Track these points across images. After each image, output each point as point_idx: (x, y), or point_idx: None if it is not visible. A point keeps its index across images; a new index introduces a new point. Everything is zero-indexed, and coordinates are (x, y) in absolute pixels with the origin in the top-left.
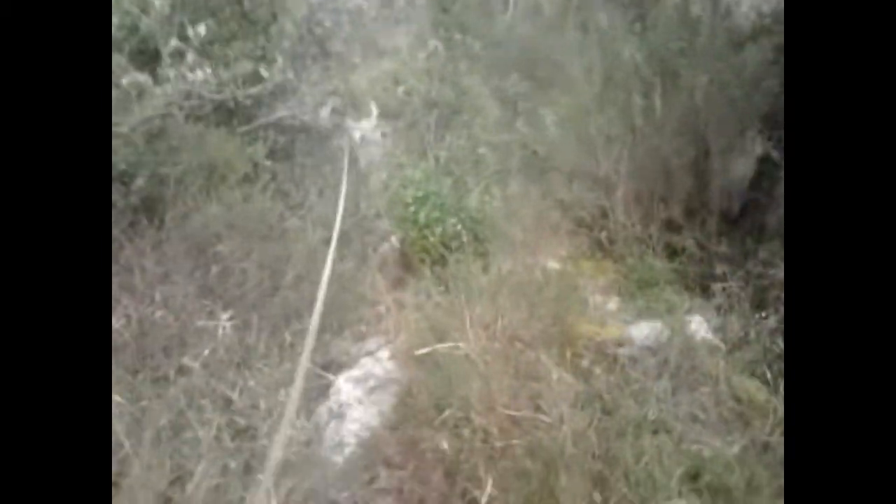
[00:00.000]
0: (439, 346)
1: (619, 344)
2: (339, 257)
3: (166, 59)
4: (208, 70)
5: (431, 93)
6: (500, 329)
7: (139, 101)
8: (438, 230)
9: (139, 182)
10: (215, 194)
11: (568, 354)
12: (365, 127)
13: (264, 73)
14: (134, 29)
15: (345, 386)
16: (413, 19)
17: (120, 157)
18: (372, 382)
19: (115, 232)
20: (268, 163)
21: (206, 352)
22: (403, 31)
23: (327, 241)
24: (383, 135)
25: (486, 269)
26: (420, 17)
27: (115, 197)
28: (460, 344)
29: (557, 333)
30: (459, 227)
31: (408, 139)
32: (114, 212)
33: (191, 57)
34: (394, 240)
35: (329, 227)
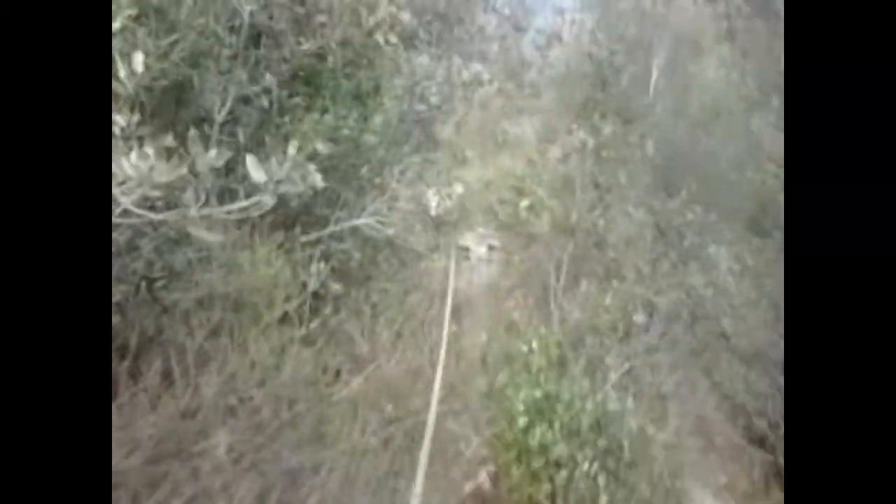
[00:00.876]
0: None
1: None
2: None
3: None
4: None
5: (571, 216)
6: None
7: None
8: (562, 474)
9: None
10: (243, 340)
11: None
12: (470, 251)
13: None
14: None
15: None
16: (552, 99)
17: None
18: None
19: None
20: (336, 286)
21: None
22: (535, 115)
23: (389, 442)
24: (489, 261)
25: None
26: (562, 95)
27: None
28: None
29: None
30: (595, 469)
31: (526, 279)
32: None
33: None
34: (484, 475)
35: (401, 401)
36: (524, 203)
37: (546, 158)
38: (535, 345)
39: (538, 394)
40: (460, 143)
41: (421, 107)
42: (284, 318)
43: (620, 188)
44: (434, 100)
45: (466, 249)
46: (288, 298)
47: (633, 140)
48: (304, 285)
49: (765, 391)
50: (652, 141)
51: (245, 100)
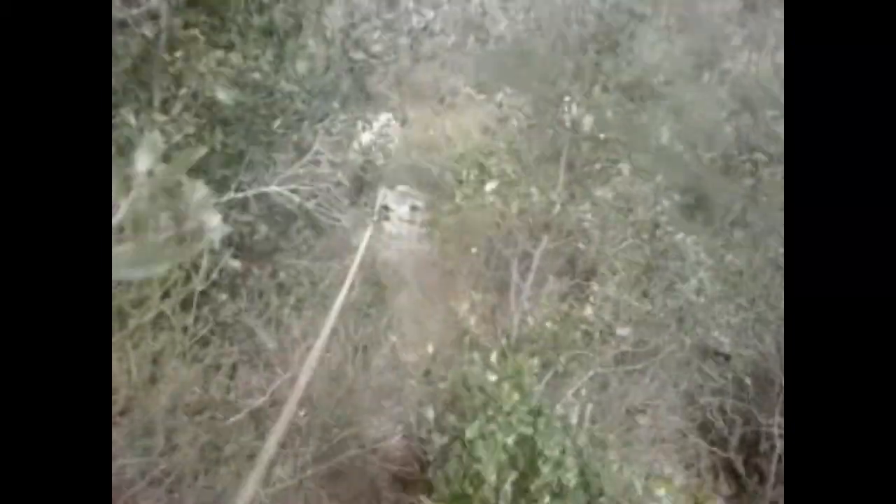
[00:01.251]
0: None
1: None
2: None
3: None
4: None
5: (554, 205)
6: None
7: None
8: None
9: None
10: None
11: None
12: (389, 211)
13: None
14: None
15: None
16: (522, 59)
17: None
18: None
19: None
20: (234, 264)
21: None
22: (500, 77)
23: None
24: (411, 222)
25: None
26: (534, 57)
27: None
28: None
29: None
30: None
31: (482, 272)
32: None
33: None
34: None
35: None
36: (490, 186)
37: (509, 130)
38: (514, 395)
39: (510, 440)
40: (402, 100)
41: (357, 54)
42: (161, 317)
43: (620, 179)
44: (375, 48)
45: (386, 209)
46: (167, 293)
47: (643, 122)
48: (190, 274)
49: (721, 386)
50: (668, 126)
51: (121, 25)
